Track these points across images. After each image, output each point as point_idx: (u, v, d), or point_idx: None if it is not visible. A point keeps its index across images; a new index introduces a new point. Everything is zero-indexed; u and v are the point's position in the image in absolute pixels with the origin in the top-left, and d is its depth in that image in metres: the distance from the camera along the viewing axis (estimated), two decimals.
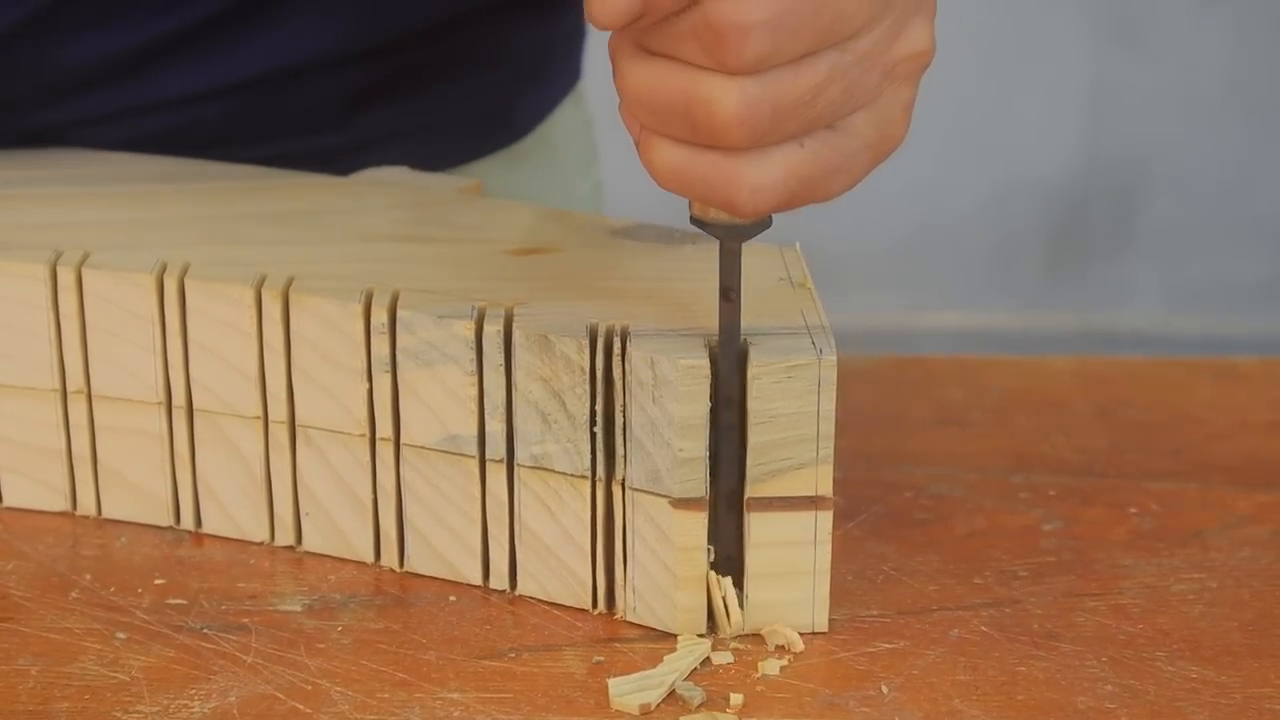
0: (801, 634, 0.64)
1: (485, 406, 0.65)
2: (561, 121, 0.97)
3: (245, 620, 0.65)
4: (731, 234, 0.61)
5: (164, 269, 0.69)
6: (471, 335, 0.64)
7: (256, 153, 0.84)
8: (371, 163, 0.86)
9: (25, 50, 0.82)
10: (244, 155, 0.84)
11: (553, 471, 0.64)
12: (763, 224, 0.61)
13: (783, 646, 0.63)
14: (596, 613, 0.66)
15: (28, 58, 0.82)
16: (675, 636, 0.64)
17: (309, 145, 0.87)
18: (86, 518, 0.72)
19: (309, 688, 0.61)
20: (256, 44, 0.84)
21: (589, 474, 0.64)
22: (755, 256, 0.71)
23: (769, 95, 0.56)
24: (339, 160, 0.85)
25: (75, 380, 0.71)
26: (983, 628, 0.65)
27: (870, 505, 0.74)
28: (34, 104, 0.84)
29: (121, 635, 0.64)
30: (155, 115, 0.85)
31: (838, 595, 0.65)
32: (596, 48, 1.02)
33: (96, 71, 0.84)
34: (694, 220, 0.61)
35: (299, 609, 0.66)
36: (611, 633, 0.64)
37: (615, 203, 1.06)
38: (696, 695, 0.60)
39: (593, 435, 0.63)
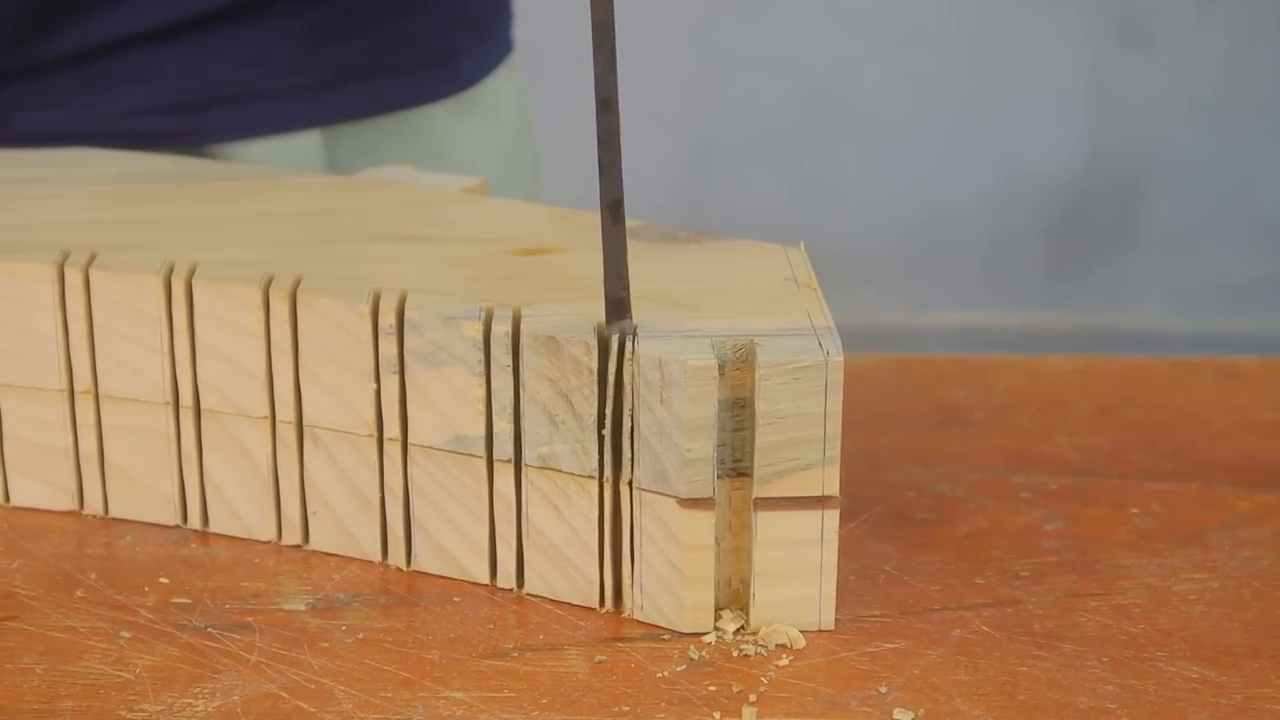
0: (806, 632, 0.64)
1: (493, 407, 0.65)
2: (502, 84, 1.02)
3: (249, 619, 0.65)
4: None
5: (171, 269, 0.69)
6: (479, 336, 0.64)
7: (224, 90, 0.87)
8: (344, 102, 0.92)
9: None
10: (212, 92, 0.86)
11: (560, 471, 0.65)
12: None
13: (784, 645, 0.64)
14: (604, 611, 0.66)
15: None
16: (679, 635, 0.64)
17: (275, 82, 0.91)
18: (91, 517, 0.73)
19: (313, 687, 0.61)
20: None
21: (596, 474, 0.64)
22: (760, 257, 0.71)
23: None
24: (306, 98, 0.88)
25: (82, 380, 0.71)
26: (984, 628, 0.65)
27: (872, 505, 0.74)
28: (13, 33, 0.86)
29: (126, 634, 0.64)
30: (130, 49, 0.87)
31: (840, 595, 0.65)
32: (529, 28, 1.08)
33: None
34: None
35: (303, 608, 0.66)
36: (615, 632, 0.64)
37: (552, 177, 1.09)
38: None
39: (600, 436, 0.64)
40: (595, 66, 0.62)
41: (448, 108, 0.98)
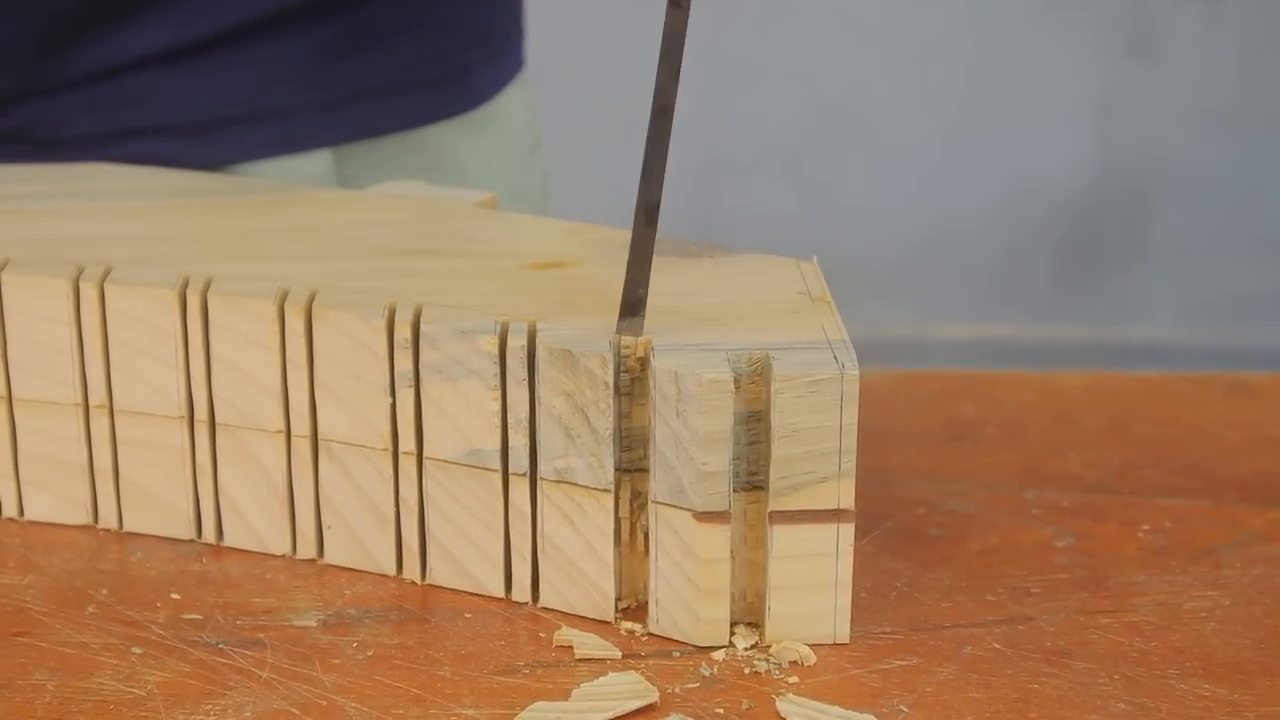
0: (819, 648, 0.64)
1: (508, 421, 0.65)
2: (512, 101, 1.02)
3: (261, 635, 0.65)
4: None
5: (186, 284, 0.69)
6: (495, 350, 0.64)
7: (236, 110, 0.87)
8: (345, 120, 0.91)
9: None
10: (224, 112, 0.86)
11: (575, 485, 0.65)
12: None
13: (796, 662, 0.64)
14: (618, 622, 0.66)
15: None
16: (690, 651, 0.64)
17: (286, 101, 0.90)
18: (103, 532, 0.73)
19: (324, 703, 0.61)
20: None
21: (612, 487, 0.64)
22: (774, 270, 0.71)
23: None
24: (317, 117, 0.88)
25: (97, 394, 0.71)
26: (996, 645, 0.65)
27: (883, 521, 0.74)
28: (27, 55, 0.86)
29: (137, 650, 0.64)
30: (141, 71, 0.87)
31: (851, 612, 0.65)
32: (538, 45, 1.08)
33: (78, 15, 0.86)
34: None
35: (314, 624, 0.66)
36: (627, 648, 0.64)
37: (561, 194, 1.09)
38: None
39: (617, 450, 0.64)
40: (659, 74, 0.62)
41: (459, 125, 0.98)
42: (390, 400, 0.67)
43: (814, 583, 0.64)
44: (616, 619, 0.66)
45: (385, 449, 0.67)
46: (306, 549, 0.70)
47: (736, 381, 0.62)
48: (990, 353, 2.61)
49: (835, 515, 0.63)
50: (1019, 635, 0.65)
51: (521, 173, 1.03)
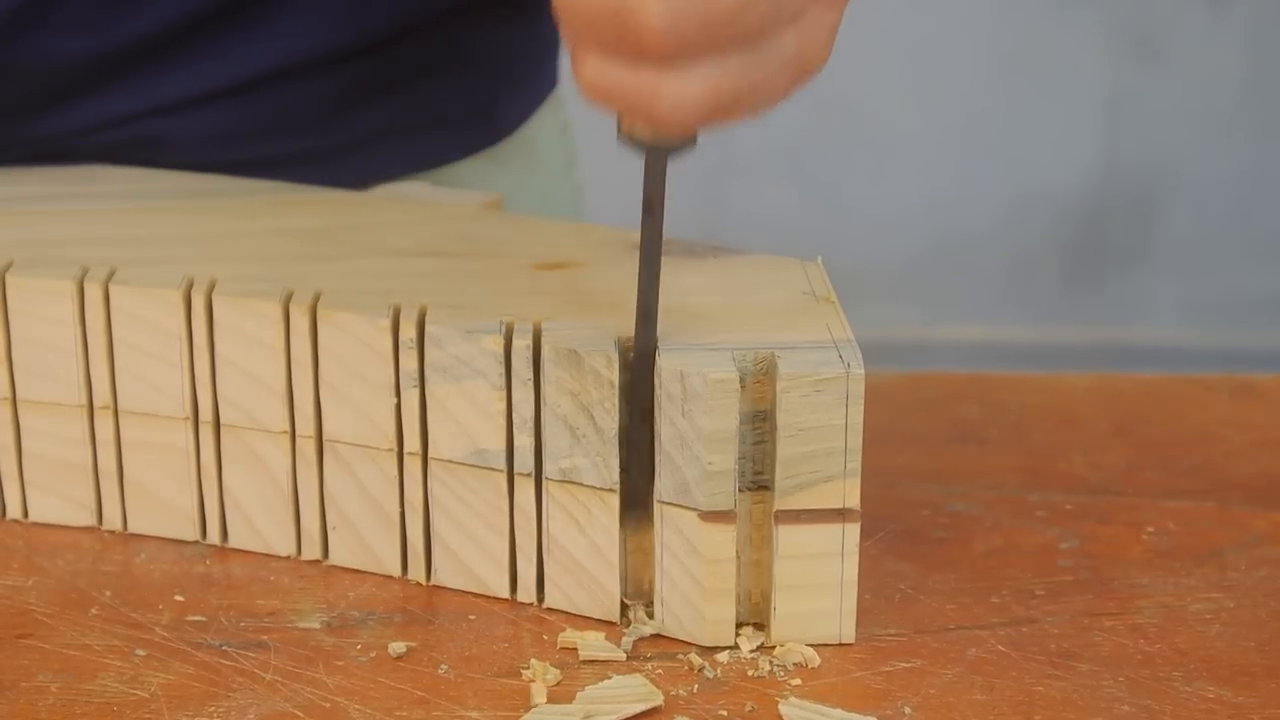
0: (824, 648, 0.64)
1: (514, 421, 0.65)
2: (541, 125, 1.00)
3: (264, 637, 0.65)
4: (657, 151, 0.61)
5: (191, 284, 0.69)
6: (500, 350, 0.64)
7: (248, 154, 0.86)
8: (362, 163, 0.89)
9: (13, 50, 0.83)
10: (236, 157, 0.85)
11: (581, 485, 0.65)
12: (688, 141, 0.60)
13: (800, 664, 0.64)
14: (623, 625, 0.66)
15: (17, 57, 0.84)
16: (695, 653, 0.64)
17: (300, 146, 0.89)
18: (107, 533, 0.73)
19: (327, 705, 0.61)
20: (245, 46, 0.86)
21: (617, 487, 0.64)
22: (779, 270, 0.71)
23: (696, 5, 0.55)
24: (332, 161, 0.87)
25: (102, 396, 0.71)
26: (1000, 647, 0.65)
27: (888, 523, 0.74)
28: (33, 109, 0.85)
29: (141, 652, 0.64)
30: (151, 120, 0.86)
31: (855, 613, 0.65)
32: None
33: (85, 74, 0.85)
34: (620, 137, 0.60)
35: (318, 626, 0.66)
36: (632, 650, 0.64)
37: (596, 206, 1.08)
38: None
39: (621, 449, 0.64)
40: (641, 279, 0.63)
41: (482, 159, 0.96)
42: (395, 401, 0.67)
43: (819, 583, 0.64)
44: (621, 620, 0.66)
45: (390, 449, 0.67)
46: (311, 550, 0.70)
47: (742, 381, 0.62)
48: (995, 354, 2.61)
49: (840, 515, 0.63)
50: (1023, 637, 0.65)
51: (552, 194, 1.01)
